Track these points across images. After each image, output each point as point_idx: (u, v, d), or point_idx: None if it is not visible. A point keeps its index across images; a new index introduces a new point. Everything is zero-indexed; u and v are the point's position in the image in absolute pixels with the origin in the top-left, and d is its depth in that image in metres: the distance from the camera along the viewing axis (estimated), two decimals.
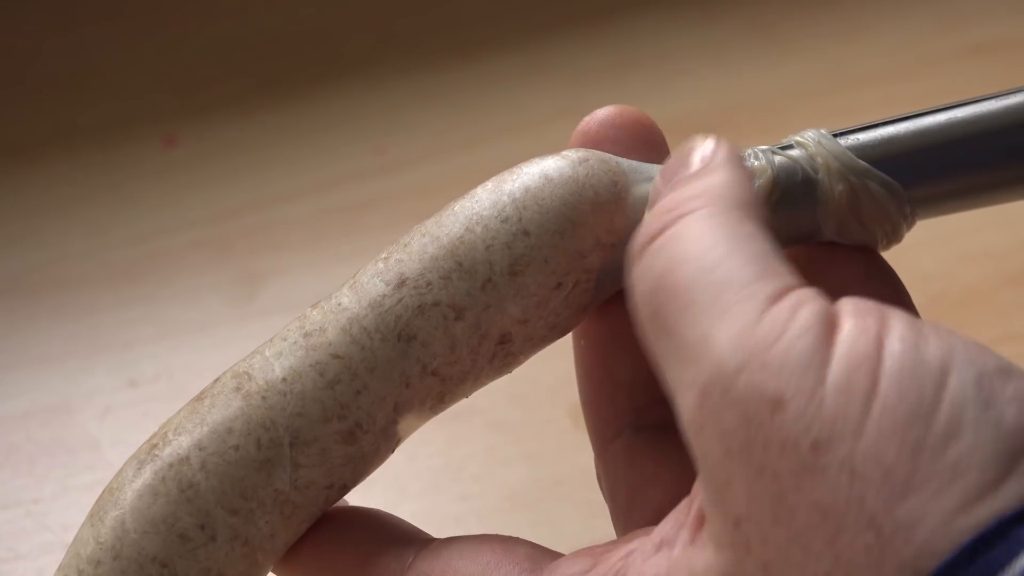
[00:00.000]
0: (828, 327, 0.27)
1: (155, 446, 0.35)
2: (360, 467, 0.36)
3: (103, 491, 0.36)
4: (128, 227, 0.72)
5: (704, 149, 0.33)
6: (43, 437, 0.60)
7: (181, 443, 0.35)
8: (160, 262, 0.69)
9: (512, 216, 0.35)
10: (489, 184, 0.36)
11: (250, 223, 0.71)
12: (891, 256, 0.37)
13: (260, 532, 0.35)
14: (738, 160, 0.32)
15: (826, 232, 0.36)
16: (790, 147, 0.36)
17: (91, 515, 0.35)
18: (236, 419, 0.35)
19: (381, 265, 0.35)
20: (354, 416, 0.35)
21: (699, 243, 0.29)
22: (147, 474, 0.35)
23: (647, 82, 0.79)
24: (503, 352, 0.35)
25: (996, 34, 0.80)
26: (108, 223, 0.72)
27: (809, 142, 0.36)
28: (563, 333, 0.36)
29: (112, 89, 0.80)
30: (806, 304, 0.28)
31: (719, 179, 0.31)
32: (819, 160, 0.36)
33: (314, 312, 0.36)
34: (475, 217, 0.35)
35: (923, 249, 0.65)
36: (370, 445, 0.35)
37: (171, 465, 0.34)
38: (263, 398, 0.35)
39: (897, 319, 0.28)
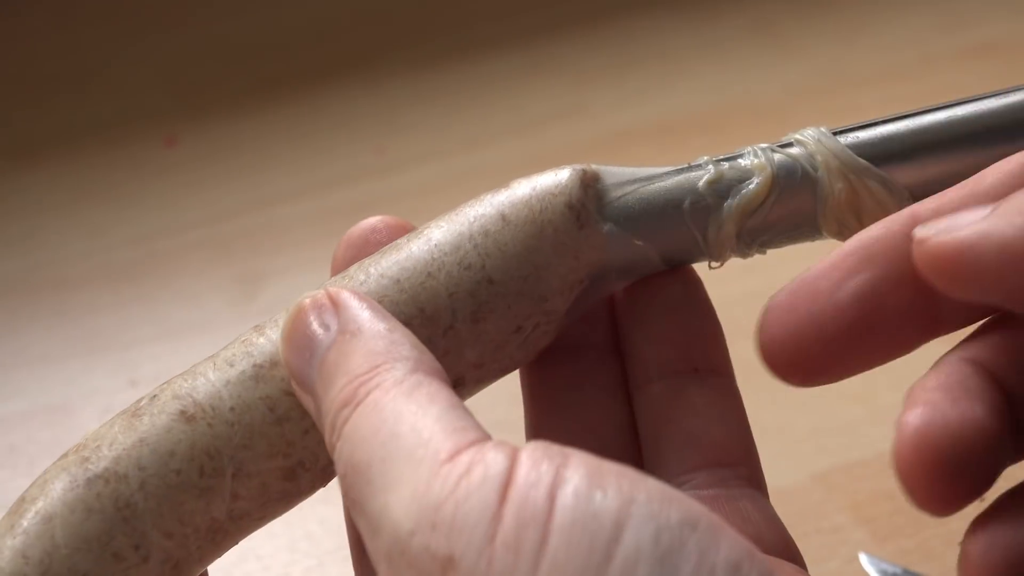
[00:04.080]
0: (505, 479, 0.27)
1: (87, 459, 0.34)
2: (292, 503, 0.35)
3: (18, 500, 0.34)
4: (128, 227, 0.72)
5: (320, 311, 0.32)
6: (43, 437, 0.60)
7: (119, 460, 0.33)
8: (160, 262, 0.69)
9: (475, 263, 0.34)
10: (444, 222, 0.35)
11: (250, 223, 0.71)
12: None
13: (191, 556, 0.34)
14: (367, 305, 0.32)
15: (825, 231, 0.36)
16: (790, 145, 0.36)
17: (9, 524, 0.33)
18: (180, 443, 0.33)
19: None
20: (299, 454, 0.34)
21: (379, 421, 0.29)
22: (80, 488, 0.33)
23: (648, 82, 0.79)
24: None
25: (996, 34, 0.80)
26: (108, 223, 0.72)
27: (809, 140, 0.36)
28: (511, 371, 0.36)
29: (112, 89, 0.80)
30: (483, 459, 0.27)
31: (371, 345, 0.30)
32: (819, 158, 0.36)
33: (261, 339, 0.35)
34: (436, 263, 0.34)
35: None
36: (307, 483, 0.35)
37: (107, 481, 0.33)
38: (209, 425, 0.34)
39: (576, 468, 0.27)
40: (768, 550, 0.34)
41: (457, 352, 0.34)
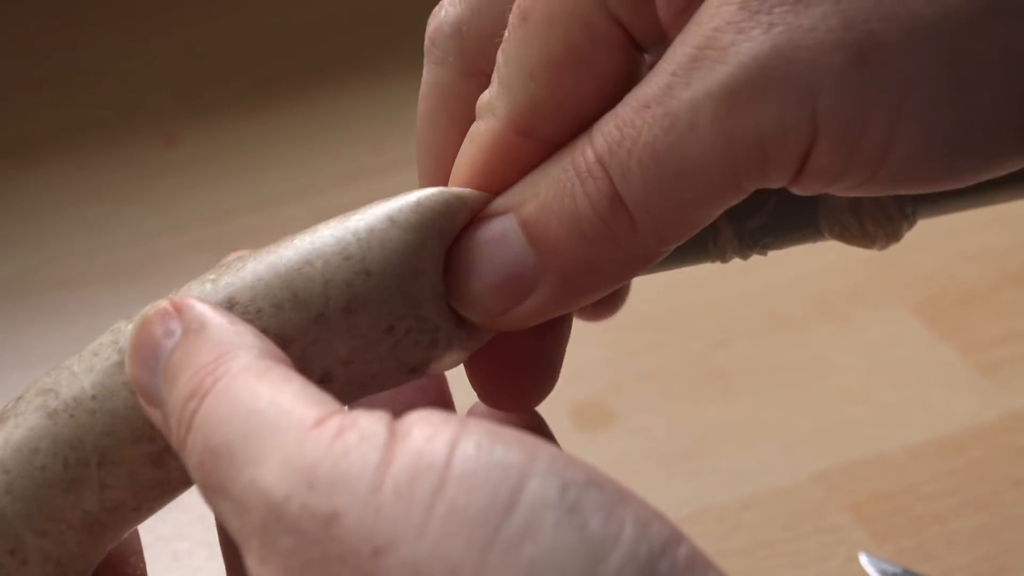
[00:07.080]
0: (390, 438, 0.27)
1: None
2: (167, 491, 0.34)
3: None
4: (129, 227, 0.72)
5: (164, 318, 0.32)
6: None
7: None
8: (161, 262, 0.69)
9: (355, 255, 0.33)
10: (332, 221, 0.34)
11: (250, 223, 0.71)
12: (891, 255, 0.37)
13: (71, 552, 0.33)
14: (210, 305, 0.32)
15: (827, 233, 0.36)
16: None
17: None
18: (42, 438, 0.33)
19: (209, 287, 0.34)
20: (163, 439, 0.33)
21: (233, 402, 0.28)
22: None
23: None
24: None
25: None
26: (108, 223, 0.72)
27: None
28: (382, 387, 0.35)
29: (112, 89, 0.80)
30: (355, 423, 0.27)
31: (215, 337, 0.30)
32: None
33: (129, 327, 0.34)
34: (316, 251, 0.34)
35: (923, 249, 0.65)
36: (177, 470, 0.33)
37: None
38: (71, 416, 0.33)
39: (478, 428, 0.27)
40: None
41: (327, 342, 0.33)
